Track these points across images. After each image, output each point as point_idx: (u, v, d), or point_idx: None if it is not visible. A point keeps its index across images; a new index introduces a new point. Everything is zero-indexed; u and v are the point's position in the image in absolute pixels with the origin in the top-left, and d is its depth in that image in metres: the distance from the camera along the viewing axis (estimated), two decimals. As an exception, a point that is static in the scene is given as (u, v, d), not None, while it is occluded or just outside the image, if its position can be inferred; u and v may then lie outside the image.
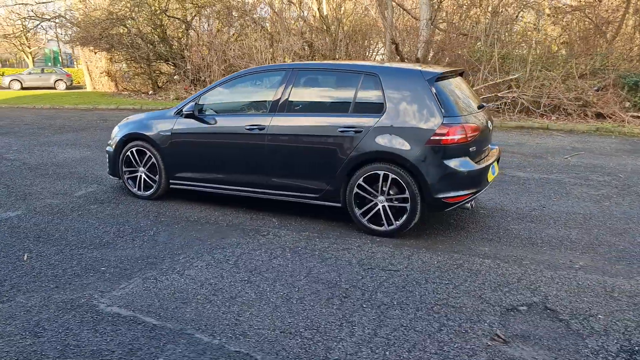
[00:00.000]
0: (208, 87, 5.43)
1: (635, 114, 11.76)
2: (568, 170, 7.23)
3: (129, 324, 3.07)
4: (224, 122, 5.17)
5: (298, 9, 20.05)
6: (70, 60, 47.25)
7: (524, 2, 16.42)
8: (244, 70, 5.46)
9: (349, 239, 4.51)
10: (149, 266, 3.92)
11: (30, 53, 42.07)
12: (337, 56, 17.61)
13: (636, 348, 2.80)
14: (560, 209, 5.36)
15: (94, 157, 8.22)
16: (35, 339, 2.90)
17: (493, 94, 12.90)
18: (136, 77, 22.84)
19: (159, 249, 4.30)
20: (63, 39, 29.51)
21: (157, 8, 20.11)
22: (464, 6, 17.09)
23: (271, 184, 4.99)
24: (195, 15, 21.10)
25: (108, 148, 5.98)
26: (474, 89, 12.86)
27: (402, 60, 14.92)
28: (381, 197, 4.50)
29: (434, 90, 4.40)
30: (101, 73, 24.40)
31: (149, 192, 5.67)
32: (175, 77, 21.51)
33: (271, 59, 17.13)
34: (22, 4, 28.26)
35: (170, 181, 5.55)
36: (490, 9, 15.97)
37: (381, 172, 4.44)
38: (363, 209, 4.59)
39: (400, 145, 4.36)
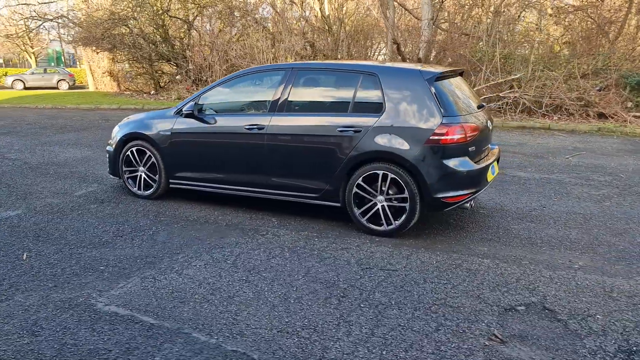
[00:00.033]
0: (208, 87, 5.44)
1: (638, 114, 11.74)
2: (569, 170, 7.22)
3: (127, 323, 3.07)
4: (224, 122, 5.17)
5: (300, 9, 20.06)
6: (73, 60, 47.36)
7: (526, 2, 16.40)
8: (243, 70, 5.46)
9: (348, 238, 4.50)
10: (148, 265, 3.93)
11: (33, 53, 42.17)
12: (339, 56, 17.60)
13: (634, 348, 2.79)
14: (561, 209, 5.35)
15: (95, 156, 8.23)
16: (33, 337, 2.91)
17: (495, 94, 12.88)
18: (138, 77, 22.88)
19: (158, 248, 4.30)
20: (66, 39, 29.59)
21: (159, 8, 20.14)
22: (466, 6, 17.08)
23: (271, 184, 4.99)
24: (197, 16, 21.13)
25: (108, 147, 5.99)
26: (475, 88, 12.87)
27: (403, 60, 14.91)
28: (380, 197, 4.49)
29: (433, 90, 4.39)
30: (103, 73, 24.46)
31: (148, 192, 5.67)
32: (177, 77, 21.53)
33: (273, 59, 17.13)
34: (25, 4, 28.33)
35: (170, 181, 5.55)
36: (492, 9, 15.96)
37: (380, 172, 4.44)
38: (362, 209, 4.59)
39: (400, 145, 4.36)
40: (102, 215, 5.15)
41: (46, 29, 33.83)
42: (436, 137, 4.28)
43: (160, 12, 20.23)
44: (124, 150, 5.73)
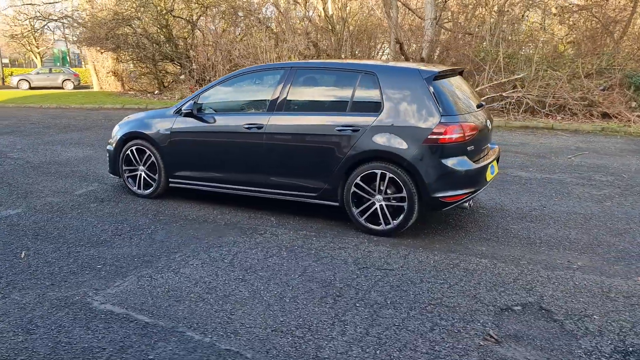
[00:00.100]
0: (207, 86, 5.45)
1: (642, 113, 11.67)
2: (571, 170, 7.18)
3: (122, 321, 3.07)
4: (223, 121, 5.17)
5: (303, 8, 20.06)
6: (78, 60, 47.58)
7: (530, 2, 16.33)
8: (242, 69, 5.47)
9: (346, 238, 4.49)
10: (145, 264, 3.93)
11: (39, 53, 42.41)
12: (342, 56, 17.59)
13: (630, 349, 2.77)
14: (561, 209, 5.32)
15: (96, 156, 8.25)
16: (27, 335, 2.91)
17: (498, 94, 12.83)
18: (142, 77, 22.96)
19: (156, 247, 4.30)
20: (70, 39, 29.73)
21: (162, 8, 20.19)
22: (470, 6, 17.03)
23: (269, 183, 4.98)
24: (200, 15, 21.17)
25: (109, 147, 6.00)
26: (478, 88, 12.83)
27: (406, 59, 14.88)
28: (379, 196, 4.48)
29: (431, 89, 4.38)
30: (108, 73, 24.56)
31: (148, 191, 5.68)
32: (181, 77, 21.59)
33: (276, 59, 17.14)
34: (30, 4, 28.47)
35: (170, 180, 5.56)
36: (496, 8, 15.91)
37: (378, 171, 4.42)
38: (360, 208, 4.58)
39: (398, 144, 4.34)
40: (101, 214, 5.17)
41: (50, 30, 33.98)
42: (434, 137, 4.26)
43: (164, 12, 20.28)
44: (124, 149, 5.74)
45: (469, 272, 3.76)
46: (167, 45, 20.91)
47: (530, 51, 14.58)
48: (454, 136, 4.28)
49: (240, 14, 20.17)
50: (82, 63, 43.73)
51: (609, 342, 2.84)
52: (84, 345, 2.82)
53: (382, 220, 4.49)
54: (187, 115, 5.29)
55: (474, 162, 4.47)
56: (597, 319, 3.09)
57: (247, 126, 4.95)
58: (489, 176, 4.71)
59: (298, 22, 19.61)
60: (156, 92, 21.58)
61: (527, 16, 17.24)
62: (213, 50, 19.04)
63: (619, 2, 15.45)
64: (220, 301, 3.32)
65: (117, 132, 5.90)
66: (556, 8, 16.11)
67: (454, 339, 2.88)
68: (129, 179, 5.81)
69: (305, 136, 4.74)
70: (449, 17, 17.68)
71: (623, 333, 2.93)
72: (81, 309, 3.22)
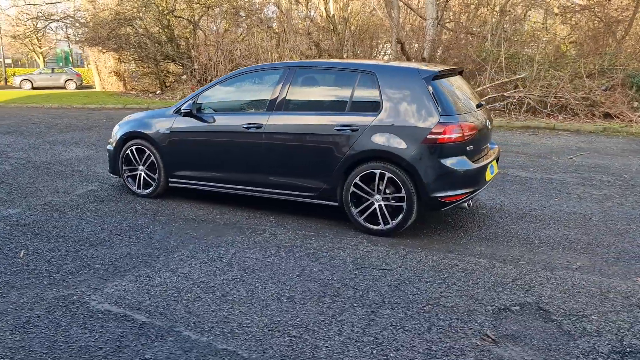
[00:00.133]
0: (206, 86, 5.45)
1: (644, 113, 11.63)
2: (572, 170, 7.16)
3: (119, 321, 3.07)
4: (222, 121, 5.17)
5: (305, 8, 20.06)
6: (80, 60, 47.69)
7: (532, 1, 16.30)
8: (242, 69, 5.47)
9: (345, 237, 4.49)
10: (143, 264, 3.93)
11: (42, 53, 42.50)
12: (344, 56, 17.58)
13: (628, 349, 2.76)
14: (561, 209, 5.31)
15: (97, 155, 8.27)
16: (25, 334, 2.92)
17: (499, 94, 12.81)
18: (144, 76, 22.99)
19: (155, 246, 4.30)
20: (73, 39, 29.80)
21: (164, 8, 20.21)
22: (472, 5, 17.01)
23: (268, 183, 4.98)
24: (202, 16, 21.18)
25: (109, 146, 6.01)
26: (480, 88, 12.81)
27: (408, 59, 14.86)
28: (377, 196, 4.47)
29: (430, 88, 4.37)
30: (110, 73, 24.59)
31: (148, 191, 5.68)
32: (183, 77, 21.61)
33: (278, 59, 17.14)
34: (32, 4, 28.54)
35: (169, 179, 5.56)
36: (497, 8, 15.88)
37: (377, 171, 4.42)
38: (359, 208, 4.57)
39: (397, 144, 4.34)
40: (101, 214, 5.17)
41: (52, 30, 34.06)
42: (433, 136, 4.25)
43: (166, 12, 20.30)
44: (123, 149, 5.74)
45: (467, 272, 3.76)
46: (169, 45, 20.94)
47: (532, 51, 14.56)
48: (453, 136, 4.27)
49: (242, 14, 20.18)
50: (85, 63, 43.82)
51: (607, 342, 2.83)
52: (80, 344, 2.82)
53: (381, 220, 4.48)
54: (187, 115, 5.29)
55: (473, 162, 4.46)
56: (595, 319, 3.08)
57: (246, 126, 4.95)
58: (488, 176, 4.70)
59: (300, 22, 19.62)
60: (158, 92, 21.60)
61: (529, 16, 17.22)
62: (215, 50, 19.05)
63: (622, 2, 15.41)
64: (218, 301, 3.32)
65: (117, 131, 5.91)
66: (558, 8, 16.08)
67: (451, 339, 2.87)
68: (129, 179, 5.82)
69: (304, 136, 4.74)
70: (451, 17, 17.65)
71: (621, 333, 2.92)
72: (79, 308, 3.22)
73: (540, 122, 11.66)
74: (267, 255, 4.08)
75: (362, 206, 4.55)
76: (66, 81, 31.23)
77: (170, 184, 5.59)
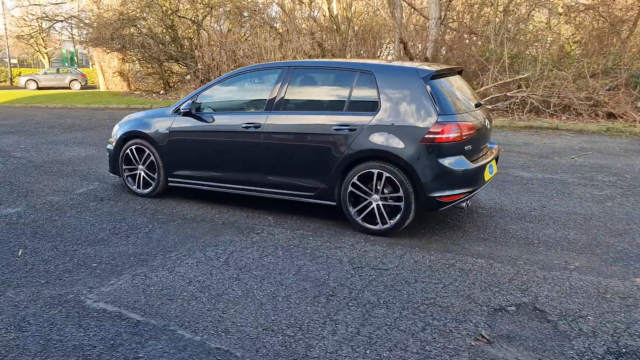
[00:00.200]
0: (206, 85, 5.45)
1: (648, 113, 11.56)
2: (573, 170, 7.12)
3: (114, 319, 3.08)
4: (221, 120, 5.17)
5: (308, 8, 20.06)
6: (86, 60, 47.89)
7: (536, 1, 16.23)
8: (241, 69, 5.47)
9: (342, 237, 4.48)
10: (140, 263, 3.94)
11: (47, 54, 42.70)
12: (347, 56, 17.57)
13: (623, 350, 2.74)
14: (561, 209, 5.28)
15: (99, 155, 8.29)
16: (20, 333, 2.92)
17: (502, 94, 12.76)
18: (148, 77, 23.05)
19: (153, 246, 4.31)
20: (78, 39, 29.93)
21: (168, 8, 20.26)
22: (476, 5, 16.95)
23: (267, 182, 4.98)
24: (206, 16, 21.22)
25: (109, 146, 6.03)
26: (483, 88, 12.77)
27: (411, 59, 14.83)
28: (375, 196, 4.46)
29: (429, 88, 4.36)
30: (114, 73, 24.70)
31: (147, 190, 5.70)
32: (187, 77, 21.66)
33: (281, 59, 17.15)
34: (36, 4, 28.68)
35: (169, 179, 5.57)
36: (501, 8, 15.82)
37: (375, 171, 4.41)
38: (357, 208, 4.56)
39: (394, 143, 4.33)
40: (100, 213, 5.18)
41: (56, 30, 34.22)
42: (431, 136, 4.24)
43: (169, 12, 20.35)
44: (123, 148, 5.76)
45: (464, 272, 3.74)
46: (173, 45, 20.98)
47: (536, 51, 14.50)
48: (451, 135, 4.25)
49: (245, 14, 20.20)
50: (90, 63, 44.01)
51: (602, 343, 2.81)
52: (74, 343, 2.83)
53: (378, 220, 4.47)
54: (186, 114, 5.30)
55: (471, 161, 4.45)
56: (591, 319, 3.06)
57: (244, 125, 4.95)
58: (487, 176, 4.68)
59: (303, 22, 19.62)
60: (161, 92, 21.66)
61: (533, 16, 17.14)
62: (218, 50, 19.08)
63: (626, 1, 15.32)
64: (213, 300, 3.32)
65: (117, 131, 5.92)
66: (562, 7, 16.01)
67: (445, 339, 2.86)
68: (129, 178, 5.83)
69: (302, 135, 4.73)
70: (454, 17, 17.60)
71: (617, 334, 2.89)
72: (74, 307, 3.23)
73: (543, 122, 11.61)
74: (264, 255, 4.08)
75: (360, 206, 4.54)
76: (71, 81, 31.37)
77: (169, 184, 5.59)
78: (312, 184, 4.75)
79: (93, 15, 22.75)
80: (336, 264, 3.88)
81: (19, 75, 35.33)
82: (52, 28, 29.83)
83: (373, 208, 4.48)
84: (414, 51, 15.60)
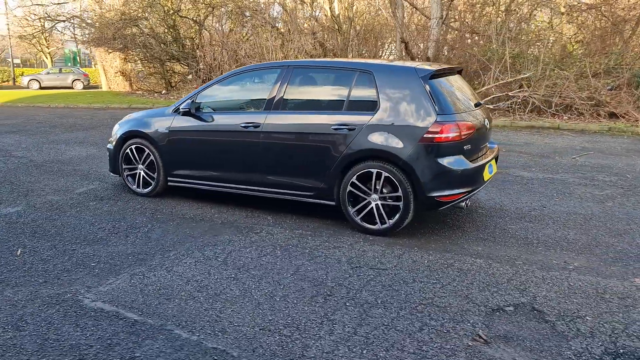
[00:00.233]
0: (205, 85, 5.45)
1: (650, 113, 11.52)
2: (574, 170, 7.10)
3: (111, 319, 3.08)
4: (220, 120, 5.17)
5: (310, 8, 20.06)
6: (88, 60, 47.98)
7: (538, 0, 16.18)
8: (240, 68, 5.47)
9: (341, 237, 4.47)
10: (139, 262, 3.94)
11: (49, 53, 42.78)
12: (349, 55, 17.56)
13: (621, 350, 2.72)
14: (561, 209, 5.26)
15: (99, 155, 8.30)
16: (17, 332, 2.93)
17: (504, 93, 12.73)
18: (150, 76, 23.08)
19: (151, 245, 4.31)
20: (80, 39, 30.01)
21: (169, 8, 20.28)
22: (478, 5, 16.92)
23: (266, 182, 4.98)
24: (207, 16, 21.22)
25: (109, 145, 6.04)
26: (484, 88, 12.75)
27: (412, 59, 14.81)
28: (374, 196, 4.45)
29: (428, 87, 4.35)
30: (116, 73, 24.73)
31: (147, 190, 5.70)
32: (189, 77, 21.67)
33: (283, 59, 17.14)
34: (39, 4, 28.74)
35: (168, 179, 5.57)
36: (503, 7, 15.79)
37: (374, 170, 4.40)
38: (356, 207, 4.55)
39: (393, 143, 4.32)
40: (99, 213, 5.19)
41: (58, 30, 34.31)
42: (430, 135, 4.23)
43: (171, 12, 20.37)
44: (123, 148, 5.76)
45: (462, 272, 3.73)
46: (174, 45, 21.00)
47: (538, 50, 14.45)
48: (450, 135, 4.24)
49: (247, 13, 20.21)
50: (92, 63, 44.10)
51: (600, 343, 2.80)
52: (71, 342, 2.83)
53: (377, 220, 4.47)
54: (185, 114, 5.30)
55: (470, 161, 4.43)
56: (589, 320, 3.04)
57: (244, 125, 4.94)
58: (486, 175, 4.67)
59: (305, 21, 19.61)
60: (163, 91, 21.69)
61: (535, 15, 17.10)
62: (220, 50, 19.09)
63: (629, 1, 15.27)
64: (211, 300, 3.32)
65: (117, 130, 5.93)
66: (565, 7, 15.96)
67: (442, 339, 2.85)
68: (129, 178, 5.84)
69: (301, 135, 4.73)
70: (456, 17, 17.58)
71: (615, 334, 2.88)
72: (72, 307, 3.23)
73: (544, 122, 11.59)
74: (262, 255, 4.07)
75: (359, 205, 4.54)
76: (73, 81, 31.43)
77: (169, 183, 5.60)
78: (312, 183, 4.75)
79: (95, 15, 22.78)
80: (334, 264, 3.88)
81: (22, 75, 35.40)
82: (54, 28, 29.87)
83: (372, 208, 4.48)
84: (415, 51, 15.58)
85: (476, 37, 15.72)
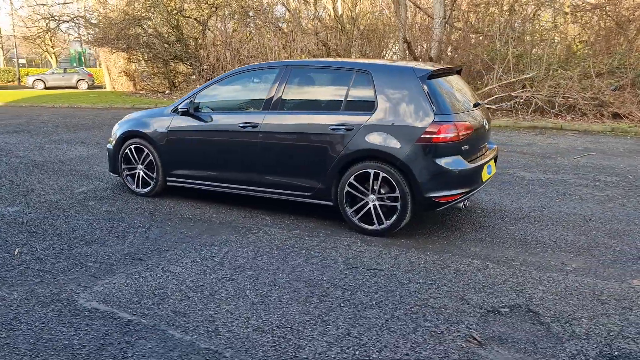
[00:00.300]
0: (204, 85, 5.45)
1: (653, 114, 11.45)
2: (575, 170, 7.07)
3: (105, 319, 3.08)
4: (219, 120, 5.17)
5: (313, 8, 20.05)
6: (94, 60, 48.16)
7: (542, 0, 16.12)
8: (239, 68, 5.47)
9: (339, 237, 4.46)
10: (135, 262, 3.94)
11: (54, 53, 42.97)
12: (352, 55, 17.55)
13: (616, 353, 2.70)
14: (561, 210, 5.23)
15: (100, 154, 8.32)
16: (11, 332, 2.93)
17: (507, 94, 12.69)
18: (154, 76, 23.14)
19: (149, 245, 4.31)
20: (85, 39, 30.12)
21: (173, 8, 20.32)
22: (482, 5, 16.86)
23: (264, 182, 4.97)
24: (211, 16, 21.26)
25: (109, 145, 6.05)
26: (487, 88, 12.71)
27: (415, 59, 14.78)
28: (372, 196, 4.44)
29: (426, 88, 4.33)
30: (120, 73, 24.81)
31: (146, 189, 5.70)
32: (192, 77, 21.71)
33: (286, 59, 17.14)
34: (43, 4, 28.87)
35: (167, 178, 5.57)
36: (506, 7, 15.73)
37: (372, 171, 4.39)
38: (354, 208, 4.54)
39: (391, 143, 4.30)
40: (98, 212, 5.20)
41: (61, 31, 34.46)
42: (428, 136, 4.21)
43: (175, 12, 20.41)
44: (123, 148, 5.77)
45: (459, 273, 3.71)
46: (178, 45, 21.04)
47: (543, 50, 14.38)
48: (448, 135, 4.22)
49: (250, 13, 20.22)
50: (97, 63, 44.26)
51: (595, 345, 2.77)
52: (64, 342, 2.83)
53: (375, 220, 4.45)
54: (184, 114, 5.30)
55: (469, 161, 4.41)
56: (585, 322, 3.02)
57: (242, 125, 4.94)
58: (485, 176, 4.65)
59: (308, 21, 19.60)
60: (167, 91, 21.73)
61: (539, 15, 17.03)
62: (223, 50, 19.11)
63: (634, 1, 15.18)
64: (205, 300, 3.31)
65: (117, 130, 5.95)
66: (569, 7, 15.89)
67: (436, 340, 2.84)
68: (128, 178, 5.84)
69: (299, 135, 4.72)
70: (459, 17, 17.52)
71: (610, 337, 2.86)
72: (66, 306, 3.23)
73: (547, 122, 11.54)
74: (259, 255, 4.07)
75: (357, 206, 4.52)
76: (78, 81, 31.56)
77: (168, 183, 5.60)
78: (309, 183, 4.74)
79: (99, 16, 22.86)
80: (331, 264, 3.87)
81: (27, 75, 35.59)
82: (57, 28, 30.00)
83: (370, 208, 4.46)
84: (418, 51, 15.55)
85: (480, 37, 15.67)
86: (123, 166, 5.82)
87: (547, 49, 13.72)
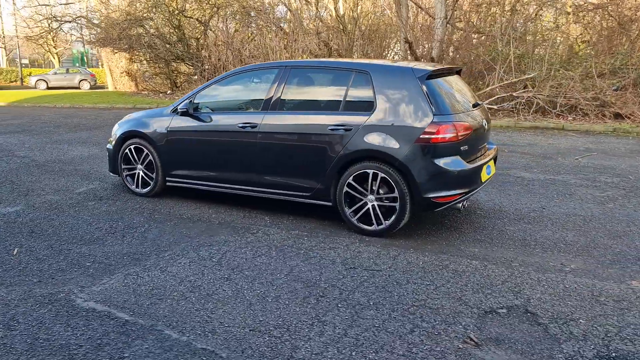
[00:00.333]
0: (204, 85, 5.45)
1: (655, 114, 11.41)
2: (576, 171, 7.05)
3: (102, 319, 3.08)
4: (218, 120, 5.17)
5: (315, 8, 20.04)
6: (96, 60, 48.25)
7: (544, 0, 16.09)
8: (238, 68, 5.47)
9: (337, 238, 4.46)
10: (134, 262, 3.94)
11: (57, 54, 43.06)
12: (354, 56, 17.53)
13: (613, 354, 2.69)
14: (561, 211, 5.22)
15: (101, 155, 8.33)
16: (8, 332, 2.93)
17: (508, 94, 12.67)
18: (155, 77, 23.17)
19: (147, 245, 4.31)
20: (87, 39, 30.20)
21: (174, 8, 20.34)
22: (484, 5, 16.84)
23: (263, 182, 4.97)
24: (212, 16, 21.27)
25: (108, 146, 6.06)
26: (488, 88, 12.68)
27: (416, 59, 14.76)
28: (371, 196, 4.44)
29: (425, 88, 4.32)
30: (122, 73, 24.85)
31: (146, 190, 5.71)
32: (194, 77, 21.73)
33: (287, 59, 17.14)
34: (45, 5, 28.93)
35: (167, 179, 5.58)
36: (508, 7, 15.70)
37: (371, 171, 4.38)
38: (353, 208, 4.54)
39: (390, 143, 4.30)
40: (97, 212, 5.20)
41: (64, 31, 34.53)
42: (426, 136, 4.20)
43: (176, 12, 20.43)
44: (122, 148, 5.78)
45: (457, 273, 3.70)
46: (179, 45, 21.06)
47: (544, 50, 14.36)
48: (447, 136, 4.22)
49: (252, 14, 20.23)
50: (99, 63, 44.33)
51: (592, 347, 2.76)
52: (61, 342, 2.83)
53: (374, 221, 4.45)
54: (183, 114, 5.30)
55: (468, 162, 4.40)
56: (583, 323, 3.01)
57: (241, 125, 4.94)
58: (484, 176, 4.64)
59: (309, 22, 19.61)
60: (169, 92, 21.76)
61: (541, 15, 17.00)
62: (224, 51, 19.12)
63: (636, 1, 15.14)
64: (203, 300, 3.31)
65: (117, 130, 5.95)
66: (571, 7, 15.85)
67: (433, 341, 2.83)
68: (128, 178, 5.85)
69: (298, 135, 4.72)
70: (461, 17, 17.50)
71: (608, 338, 2.85)
72: (64, 306, 3.23)
73: (549, 123, 11.51)
74: (257, 255, 4.07)
75: (356, 206, 4.52)
76: (80, 81, 31.63)
77: (167, 183, 5.60)
78: (308, 184, 4.73)
79: (101, 16, 22.90)
80: (329, 265, 3.86)
81: (30, 75, 35.66)
82: (60, 29, 30.07)
83: (368, 209, 4.46)
84: (420, 51, 15.53)
85: (482, 37, 15.64)
86: (123, 166, 5.83)
87: (548, 49, 13.70)
